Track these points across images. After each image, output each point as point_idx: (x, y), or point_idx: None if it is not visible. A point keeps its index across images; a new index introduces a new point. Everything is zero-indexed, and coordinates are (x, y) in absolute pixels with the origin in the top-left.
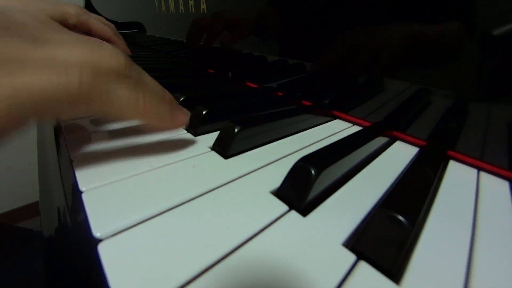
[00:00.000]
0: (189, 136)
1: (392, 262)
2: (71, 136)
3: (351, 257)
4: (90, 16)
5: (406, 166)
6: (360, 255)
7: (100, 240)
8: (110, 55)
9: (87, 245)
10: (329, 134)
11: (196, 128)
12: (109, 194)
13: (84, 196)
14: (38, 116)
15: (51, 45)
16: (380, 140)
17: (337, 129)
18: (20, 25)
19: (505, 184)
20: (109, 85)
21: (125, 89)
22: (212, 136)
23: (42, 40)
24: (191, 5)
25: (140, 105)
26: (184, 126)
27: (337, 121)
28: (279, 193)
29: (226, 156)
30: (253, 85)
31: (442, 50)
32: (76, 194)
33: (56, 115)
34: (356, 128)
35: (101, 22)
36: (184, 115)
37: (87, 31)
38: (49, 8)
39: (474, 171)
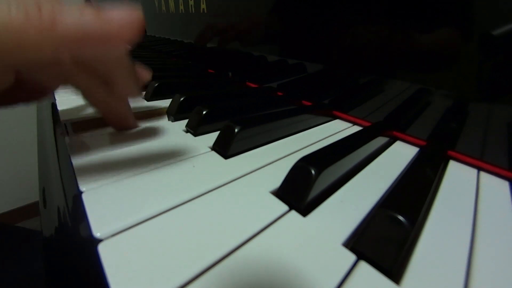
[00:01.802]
0: (189, 136)
1: (392, 262)
2: (71, 137)
3: (351, 257)
4: None
5: (406, 166)
6: (360, 255)
7: (100, 240)
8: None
9: (87, 245)
10: (329, 134)
11: (196, 128)
12: (109, 194)
13: (84, 196)
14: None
15: None
16: (380, 140)
17: (337, 129)
18: None
19: (505, 184)
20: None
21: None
22: (212, 136)
23: None
24: (191, 5)
25: (34, 21)
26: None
27: (337, 121)
28: (279, 193)
29: (226, 156)
30: (253, 85)
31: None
32: (76, 194)
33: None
34: (356, 128)
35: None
36: (127, 13)
37: None
38: None
39: (474, 171)
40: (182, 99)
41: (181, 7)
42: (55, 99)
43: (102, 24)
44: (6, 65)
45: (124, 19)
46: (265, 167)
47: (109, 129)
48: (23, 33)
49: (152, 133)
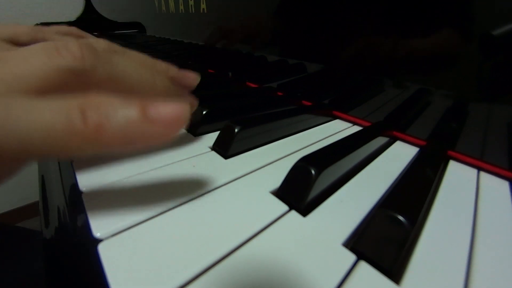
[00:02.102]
0: (189, 136)
1: (392, 262)
2: None
3: (351, 257)
4: (45, 31)
5: (406, 166)
6: (360, 255)
7: (100, 240)
8: (49, 56)
9: (87, 245)
10: (329, 134)
11: (196, 128)
12: (109, 194)
13: (84, 196)
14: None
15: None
16: (380, 140)
17: (337, 129)
18: None
19: (505, 184)
20: (10, 115)
21: (44, 110)
22: (212, 136)
23: None
24: (191, 5)
25: (78, 129)
26: (178, 128)
27: (337, 121)
28: (279, 193)
29: (226, 156)
30: (253, 85)
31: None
32: (76, 194)
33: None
34: (356, 128)
35: (60, 33)
36: (174, 109)
37: None
38: None
39: (474, 171)
40: None
41: (181, 7)
42: None
43: (148, 127)
44: (35, 157)
45: (170, 117)
46: (265, 167)
47: None
48: (66, 140)
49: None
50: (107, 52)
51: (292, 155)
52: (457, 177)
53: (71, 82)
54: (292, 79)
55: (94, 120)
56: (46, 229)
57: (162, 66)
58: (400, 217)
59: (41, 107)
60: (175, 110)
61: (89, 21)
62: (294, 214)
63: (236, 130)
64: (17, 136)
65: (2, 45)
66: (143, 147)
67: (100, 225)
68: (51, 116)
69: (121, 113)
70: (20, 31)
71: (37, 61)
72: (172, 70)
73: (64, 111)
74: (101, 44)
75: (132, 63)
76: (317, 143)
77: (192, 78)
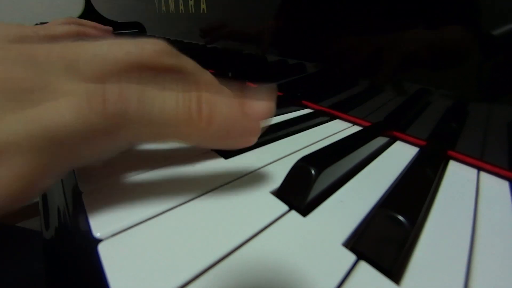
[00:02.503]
0: None
1: (392, 262)
2: None
3: (351, 257)
4: (49, 28)
5: (406, 166)
6: (360, 255)
7: (100, 240)
8: (127, 47)
9: (87, 245)
10: (329, 134)
11: None
12: (109, 194)
13: (84, 196)
14: (67, 162)
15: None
16: (380, 140)
17: (337, 129)
18: None
19: (505, 184)
20: (145, 101)
21: (171, 98)
22: None
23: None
24: (191, 5)
25: (194, 118)
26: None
27: (337, 121)
28: (279, 193)
29: (226, 156)
30: (253, 85)
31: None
32: (76, 194)
33: (89, 158)
34: (356, 128)
35: (64, 24)
36: (265, 106)
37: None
38: (9, 33)
39: (474, 171)
40: None
41: (181, 7)
42: None
43: (245, 122)
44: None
45: (262, 113)
46: (265, 167)
47: None
48: (179, 128)
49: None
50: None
51: (292, 155)
52: (457, 177)
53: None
54: (292, 79)
55: (207, 113)
56: (46, 230)
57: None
58: (400, 217)
59: (168, 95)
60: (266, 106)
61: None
62: (294, 214)
63: None
64: (147, 119)
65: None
66: (235, 145)
67: (100, 225)
68: (177, 103)
69: (226, 107)
70: (29, 31)
71: (128, 46)
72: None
73: (186, 102)
74: (158, 44)
75: (187, 58)
76: (317, 143)
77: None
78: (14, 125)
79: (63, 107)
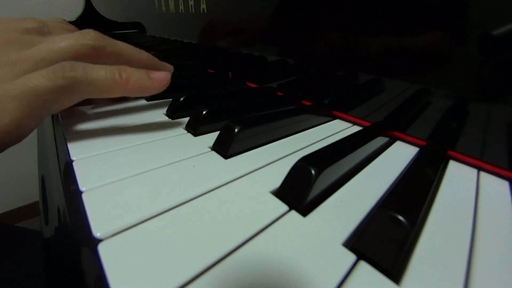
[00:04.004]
0: (189, 136)
1: (392, 262)
2: (71, 136)
3: (351, 257)
4: (50, 26)
5: (406, 166)
6: (360, 255)
7: (100, 240)
8: (76, 38)
9: (87, 245)
10: (329, 134)
11: (196, 128)
12: (109, 194)
13: (84, 196)
14: (44, 108)
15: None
16: (380, 140)
17: (337, 129)
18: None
19: (505, 184)
20: (86, 71)
21: (100, 70)
22: (212, 136)
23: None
24: (191, 5)
25: (116, 80)
26: (164, 85)
27: (337, 121)
28: (279, 193)
29: (226, 156)
30: (253, 85)
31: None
32: (76, 194)
33: (57, 106)
34: (356, 128)
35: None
36: (162, 74)
37: None
38: (10, 26)
39: (474, 171)
40: (182, 99)
41: (181, 7)
42: None
43: (150, 82)
44: (88, 96)
45: (161, 78)
46: (265, 167)
47: (109, 129)
48: (109, 86)
49: (152, 133)
50: (108, 38)
51: (292, 155)
52: (457, 177)
53: (90, 55)
54: (292, 79)
55: (124, 77)
56: (46, 229)
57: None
58: (400, 217)
59: (100, 68)
60: (164, 75)
61: (89, 21)
62: (294, 214)
63: (236, 130)
64: (88, 81)
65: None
66: (147, 94)
67: (100, 225)
68: (105, 73)
69: (137, 74)
70: (30, 27)
71: (72, 40)
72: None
73: (111, 72)
74: (97, 33)
75: (127, 45)
76: (317, 143)
77: (161, 79)
78: (11, 87)
79: (40, 76)
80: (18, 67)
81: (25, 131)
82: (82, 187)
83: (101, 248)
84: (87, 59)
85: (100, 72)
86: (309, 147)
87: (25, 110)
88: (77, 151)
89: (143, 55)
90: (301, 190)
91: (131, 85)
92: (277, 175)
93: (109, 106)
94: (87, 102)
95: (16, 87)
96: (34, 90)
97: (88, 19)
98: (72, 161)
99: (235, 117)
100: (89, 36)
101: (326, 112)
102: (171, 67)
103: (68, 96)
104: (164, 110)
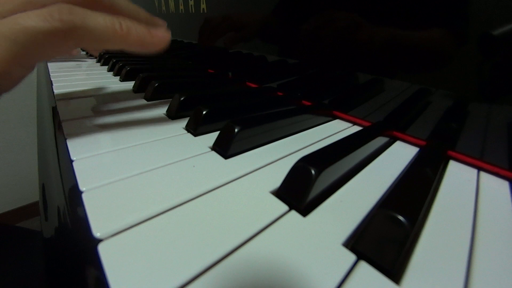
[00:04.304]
0: (189, 136)
1: (392, 262)
2: (71, 136)
3: (351, 257)
4: None
5: (406, 166)
6: (360, 255)
7: (100, 240)
8: None
9: (87, 245)
10: (329, 134)
11: (196, 128)
12: (109, 194)
13: (84, 196)
14: (36, 52)
15: None
16: (380, 140)
17: (337, 129)
18: None
19: (505, 184)
20: (86, 17)
21: (100, 17)
22: (212, 136)
23: None
24: (191, 5)
25: (117, 31)
26: (165, 43)
27: (337, 121)
28: (279, 193)
29: (226, 156)
30: (253, 85)
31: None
32: (76, 194)
33: (51, 51)
34: (356, 128)
35: None
36: (163, 32)
37: None
38: None
39: (474, 171)
40: (182, 99)
41: (181, 7)
42: (55, 103)
43: (151, 37)
44: (88, 43)
45: (162, 35)
46: (265, 167)
47: (110, 129)
48: (111, 36)
49: (152, 133)
50: (77, 13)
51: (292, 155)
52: (457, 177)
53: (86, 2)
54: (292, 79)
55: (125, 28)
56: (46, 229)
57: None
58: (400, 217)
59: (99, 15)
60: (164, 33)
61: None
62: (294, 214)
63: (236, 130)
64: (88, 28)
65: None
66: (147, 50)
67: (100, 225)
68: (105, 21)
69: (139, 28)
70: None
71: None
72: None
73: (112, 21)
74: None
75: (102, 15)
76: (317, 143)
77: (160, 37)
78: (2, 25)
79: (34, 16)
80: (5, 5)
81: (15, 78)
82: (82, 187)
83: (101, 248)
84: (82, 7)
85: (99, 20)
86: (309, 147)
87: (17, 53)
88: (77, 151)
89: (141, 12)
90: (301, 190)
91: (132, 37)
92: (277, 175)
93: (109, 106)
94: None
95: (6, 25)
96: (28, 30)
97: None
98: (72, 161)
99: (235, 117)
100: (46, 16)
101: (326, 112)
102: (164, 23)
103: (64, 41)
104: (164, 110)
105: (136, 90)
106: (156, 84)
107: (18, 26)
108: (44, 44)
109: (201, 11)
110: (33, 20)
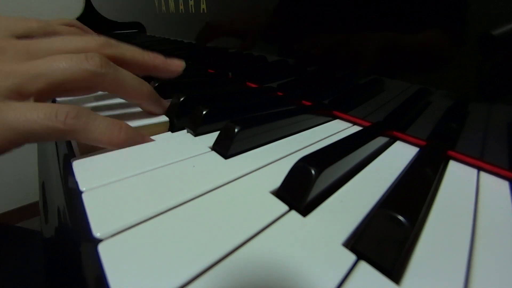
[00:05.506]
0: (189, 136)
1: (392, 262)
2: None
3: (351, 257)
4: (55, 27)
5: (406, 166)
6: (360, 255)
7: (100, 240)
8: (79, 61)
9: (87, 245)
10: (329, 134)
11: (196, 128)
12: (109, 194)
13: (84, 196)
14: (32, 140)
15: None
16: (380, 140)
17: (337, 129)
18: None
19: (505, 184)
20: (89, 122)
21: (102, 124)
22: (212, 136)
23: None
24: (191, 5)
25: (113, 140)
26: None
27: (337, 121)
28: (279, 193)
29: (226, 156)
30: (253, 85)
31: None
32: (76, 194)
33: (46, 140)
34: (356, 128)
35: (65, 24)
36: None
37: None
38: (12, 26)
39: (474, 171)
40: (182, 99)
41: (181, 7)
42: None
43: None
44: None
45: (179, 63)
46: (265, 167)
47: None
48: (102, 142)
49: (152, 133)
50: (113, 66)
51: (292, 155)
52: (457, 177)
53: (90, 80)
54: (292, 79)
55: (122, 138)
56: (46, 229)
57: (150, 56)
58: (400, 217)
59: (102, 122)
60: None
61: (89, 21)
62: (294, 214)
63: (236, 130)
64: (85, 133)
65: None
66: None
67: (100, 225)
68: (105, 129)
69: (135, 136)
70: (35, 27)
71: (74, 62)
72: (159, 59)
73: (111, 129)
74: (101, 39)
75: (129, 74)
76: (317, 143)
77: (177, 65)
78: (6, 109)
79: (41, 111)
80: (11, 80)
81: (3, 152)
82: (82, 187)
83: (101, 248)
84: (85, 83)
85: (101, 127)
86: (309, 147)
87: (15, 140)
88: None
89: (144, 87)
90: (301, 190)
91: (121, 144)
92: (277, 175)
93: (108, 106)
94: None
95: (12, 112)
96: (30, 123)
97: (88, 19)
98: (72, 161)
99: (235, 117)
100: (93, 62)
101: (326, 112)
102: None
103: (61, 138)
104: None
105: None
106: (156, 84)
107: (22, 117)
108: (42, 136)
109: (201, 11)
110: (38, 115)
